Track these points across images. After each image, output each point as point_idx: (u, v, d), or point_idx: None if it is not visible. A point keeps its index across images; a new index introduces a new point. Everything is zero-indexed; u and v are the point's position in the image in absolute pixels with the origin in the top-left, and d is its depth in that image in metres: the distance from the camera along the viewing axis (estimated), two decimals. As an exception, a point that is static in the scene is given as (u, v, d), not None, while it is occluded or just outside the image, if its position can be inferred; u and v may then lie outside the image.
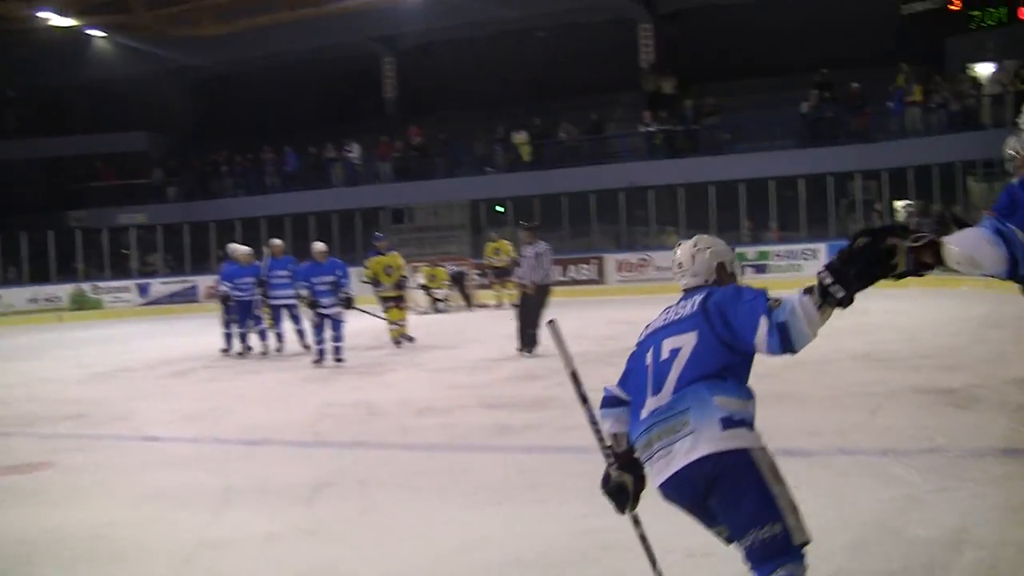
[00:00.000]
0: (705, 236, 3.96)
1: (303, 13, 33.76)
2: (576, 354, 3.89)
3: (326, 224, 31.10)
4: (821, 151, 28.06)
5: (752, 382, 3.52)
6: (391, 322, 16.08)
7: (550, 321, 3.88)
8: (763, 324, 3.26)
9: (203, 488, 6.86)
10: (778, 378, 10.09)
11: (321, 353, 13.99)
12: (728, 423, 3.37)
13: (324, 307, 13.99)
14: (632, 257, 28.10)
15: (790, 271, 26.19)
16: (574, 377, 3.80)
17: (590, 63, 33.59)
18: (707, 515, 3.51)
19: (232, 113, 38.87)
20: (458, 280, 24.93)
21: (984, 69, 27.61)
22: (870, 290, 3.06)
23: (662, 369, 3.55)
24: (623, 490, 3.72)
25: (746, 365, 3.54)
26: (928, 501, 5.58)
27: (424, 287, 24.26)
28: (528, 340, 13.59)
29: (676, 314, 3.66)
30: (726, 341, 3.45)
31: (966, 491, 5.74)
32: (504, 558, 5.13)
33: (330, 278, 14.12)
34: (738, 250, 27.41)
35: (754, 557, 3.30)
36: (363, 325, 16.38)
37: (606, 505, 3.78)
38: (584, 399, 3.78)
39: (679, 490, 3.46)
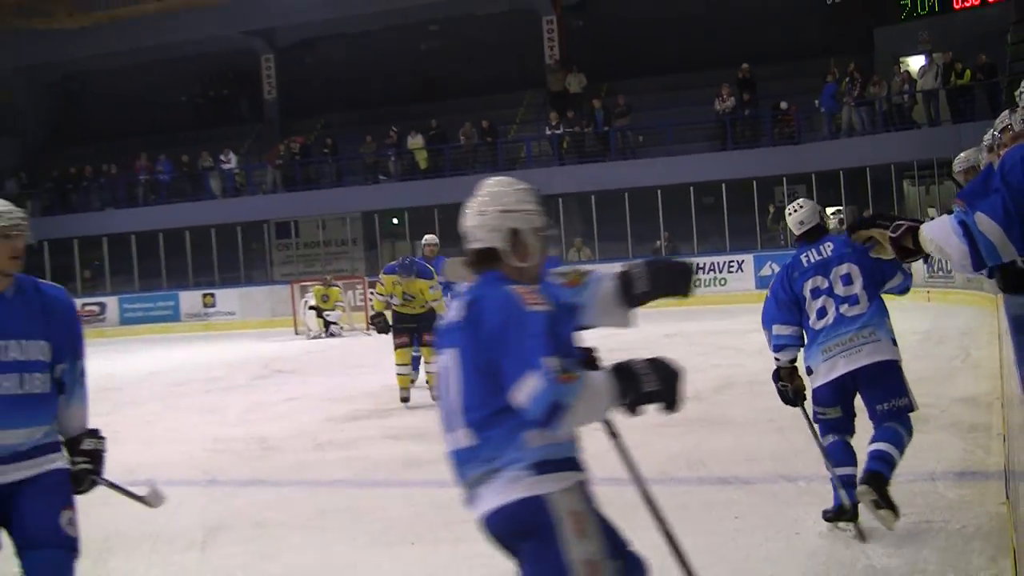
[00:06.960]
0: None
1: (170, 4, 32.68)
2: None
3: (205, 240, 30.64)
4: (743, 153, 27.91)
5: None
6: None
7: None
8: None
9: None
10: (708, 401, 10.25)
11: None
12: None
13: None
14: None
15: (714, 285, 26.00)
16: None
17: (490, 59, 33.28)
18: None
19: (93, 116, 37.68)
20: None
21: (916, 63, 27.83)
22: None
23: None
24: None
25: None
26: (878, 529, 5.51)
27: (315, 308, 23.90)
28: None
29: None
30: None
31: (916, 517, 5.73)
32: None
33: None
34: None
35: None
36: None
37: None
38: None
39: None
